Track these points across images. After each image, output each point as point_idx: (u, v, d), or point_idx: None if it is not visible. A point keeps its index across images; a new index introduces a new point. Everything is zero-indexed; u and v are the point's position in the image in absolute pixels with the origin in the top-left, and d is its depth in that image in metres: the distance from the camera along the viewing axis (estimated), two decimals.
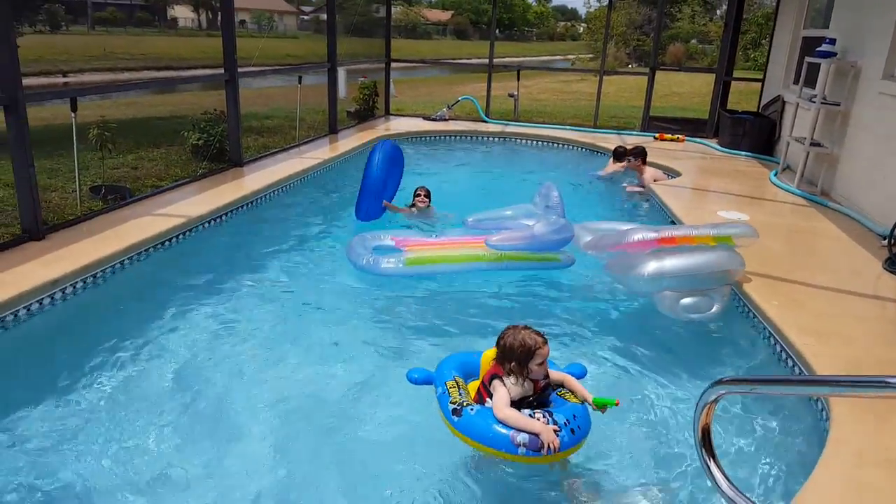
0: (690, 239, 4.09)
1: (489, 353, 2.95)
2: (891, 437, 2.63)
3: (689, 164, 8.58)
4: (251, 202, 6.14)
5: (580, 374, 3.03)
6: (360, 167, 8.41)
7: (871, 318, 4.00)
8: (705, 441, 1.96)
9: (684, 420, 3.08)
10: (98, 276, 4.24)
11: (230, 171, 6.94)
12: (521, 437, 2.53)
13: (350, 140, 9.21)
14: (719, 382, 1.93)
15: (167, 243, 4.94)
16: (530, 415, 2.61)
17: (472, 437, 2.64)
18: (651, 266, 3.94)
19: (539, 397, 2.76)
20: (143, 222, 5.06)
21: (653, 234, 4.14)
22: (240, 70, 6.92)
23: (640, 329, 4.12)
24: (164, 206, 5.55)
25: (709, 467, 1.95)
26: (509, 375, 2.70)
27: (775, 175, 7.84)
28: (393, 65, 12.02)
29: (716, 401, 1.92)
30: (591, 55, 39.35)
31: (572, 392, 2.80)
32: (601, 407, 2.66)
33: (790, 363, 3.48)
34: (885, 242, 5.24)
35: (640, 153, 7.79)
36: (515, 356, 2.66)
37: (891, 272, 4.74)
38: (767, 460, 2.81)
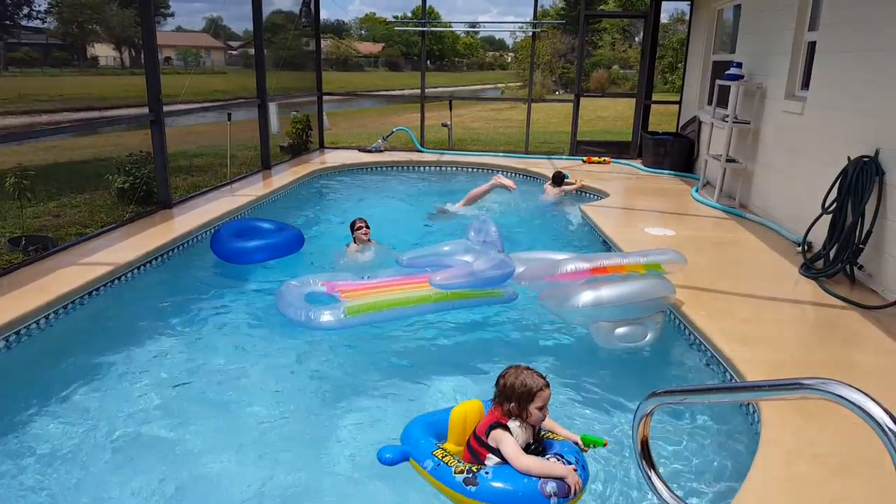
0: (622, 268, 4.16)
1: (461, 408, 2.77)
2: (817, 434, 2.79)
3: (615, 184, 8.92)
4: (182, 244, 5.97)
5: None
6: (295, 202, 8.41)
7: (791, 321, 4.26)
8: (644, 452, 2.03)
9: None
10: (22, 332, 4.02)
11: (158, 213, 6.73)
12: (550, 487, 2.38)
13: (284, 175, 9.12)
14: (653, 395, 2.02)
15: (94, 293, 4.73)
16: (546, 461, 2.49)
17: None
18: (585, 297, 3.98)
19: (538, 444, 2.65)
20: (67, 273, 4.83)
21: (585, 265, 4.16)
22: (166, 109, 6.77)
23: (581, 356, 4.15)
24: (90, 254, 5.32)
25: (650, 477, 2.02)
26: (511, 418, 2.56)
27: (696, 191, 8.26)
28: (325, 97, 12.04)
29: (651, 413, 2.00)
30: (519, 83, 40.49)
31: (555, 433, 2.71)
32: (588, 446, 2.58)
33: (721, 369, 3.65)
34: (800, 249, 5.60)
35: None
36: (515, 396, 2.53)
37: (806, 276, 5.06)
38: (705, 465, 2.92)
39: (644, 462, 2.05)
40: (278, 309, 4.42)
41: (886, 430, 1.40)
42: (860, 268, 4.88)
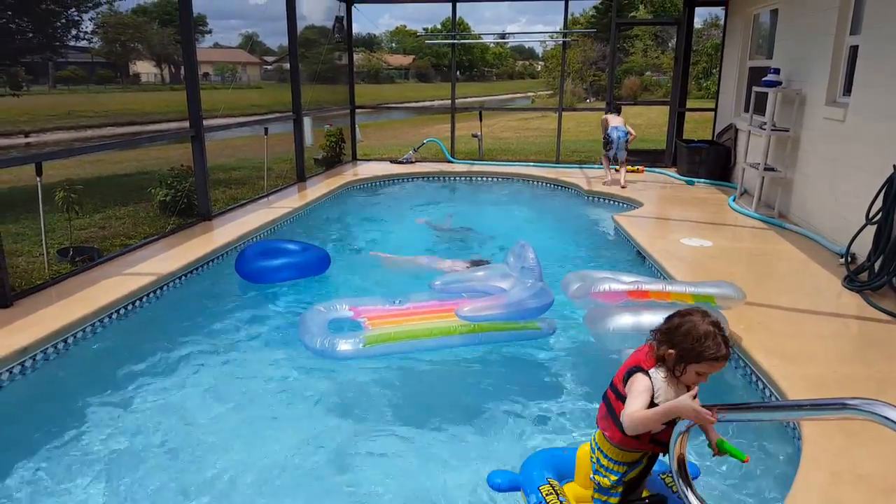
0: (666, 295, 3.89)
1: (587, 447, 2.46)
2: (860, 453, 2.71)
3: (649, 193, 8.83)
4: (222, 255, 6.13)
5: (695, 475, 2.51)
6: (330, 213, 8.56)
7: (832, 335, 4.14)
8: (681, 470, 2.01)
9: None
10: (69, 340, 4.18)
11: (199, 224, 6.93)
12: None
13: (319, 187, 9.28)
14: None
15: (138, 303, 4.89)
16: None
17: None
18: (624, 320, 3.78)
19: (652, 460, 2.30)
20: (112, 283, 5.00)
21: (622, 287, 3.95)
22: (205, 124, 6.98)
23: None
24: (134, 264, 5.51)
25: (686, 496, 2.00)
26: (659, 366, 2.14)
27: (734, 200, 8.11)
28: (358, 110, 12.23)
29: (688, 430, 1.99)
30: (549, 91, 40.41)
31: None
32: (723, 452, 2.08)
33: (760, 385, 3.58)
34: (843, 260, 5.46)
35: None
36: (681, 345, 2.07)
37: (850, 289, 4.93)
38: (744, 484, 2.86)
39: (681, 479, 2.03)
40: (300, 337, 4.27)
41: None
42: None
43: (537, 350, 4.36)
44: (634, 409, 2.08)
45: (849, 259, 5.42)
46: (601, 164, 10.17)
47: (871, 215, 5.08)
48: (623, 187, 9.18)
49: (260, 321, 4.89)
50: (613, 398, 2.24)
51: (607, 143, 9.57)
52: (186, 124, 6.88)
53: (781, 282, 5.32)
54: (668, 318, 2.16)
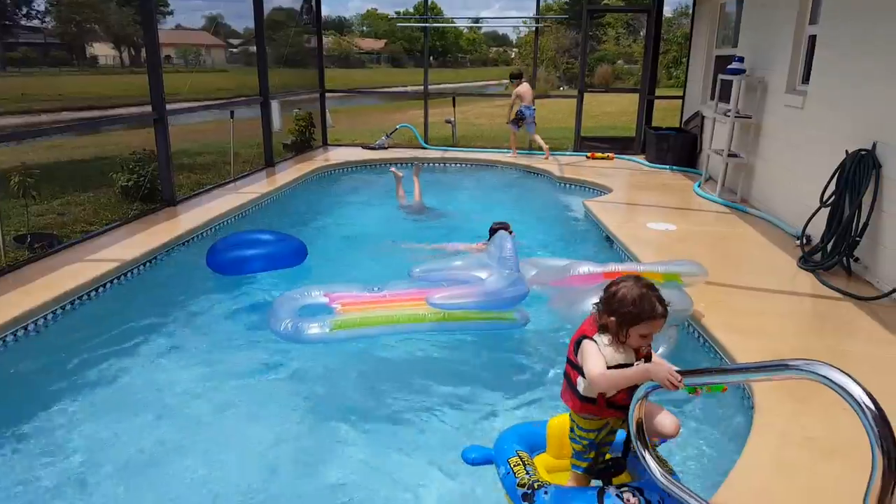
0: (637, 274, 4.06)
1: (559, 419, 2.60)
2: (808, 418, 2.83)
3: (619, 180, 8.96)
4: (187, 241, 6.05)
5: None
6: (300, 199, 8.48)
7: (787, 312, 4.30)
8: (640, 433, 2.09)
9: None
10: (29, 328, 4.10)
11: (163, 210, 6.81)
12: None
13: (288, 173, 9.19)
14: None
15: (101, 290, 4.80)
16: (619, 495, 2.21)
17: None
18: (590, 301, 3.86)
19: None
20: (74, 269, 4.91)
21: (599, 269, 4.05)
22: (169, 108, 6.84)
23: None
24: (96, 251, 5.41)
25: (644, 457, 2.07)
26: (603, 333, 2.23)
27: (699, 186, 8.28)
28: (328, 95, 12.10)
29: (646, 395, 2.05)
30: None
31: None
32: (694, 391, 2.09)
33: (719, 358, 3.70)
34: (799, 242, 5.63)
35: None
36: (618, 312, 2.16)
37: (804, 269, 5.09)
38: (699, 447, 2.97)
39: (639, 442, 2.10)
40: (268, 324, 4.22)
41: (864, 408, 1.45)
42: (856, 260, 4.91)
43: (510, 338, 4.35)
44: (594, 368, 2.15)
45: (804, 241, 5.59)
46: (522, 146, 10.89)
47: (824, 199, 5.25)
48: (546, 158, 10.21)
49: (229, 309, 4.83)
50: (569, 369, 2.34)
51: (519, 119, 10.30)
52: (149, 109, 6.74)
53: (741, 263, 5.48)
54: (605, 289, 2.26)
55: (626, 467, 2.37)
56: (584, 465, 2.39)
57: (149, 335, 4.29)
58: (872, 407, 1.45)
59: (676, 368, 2.06)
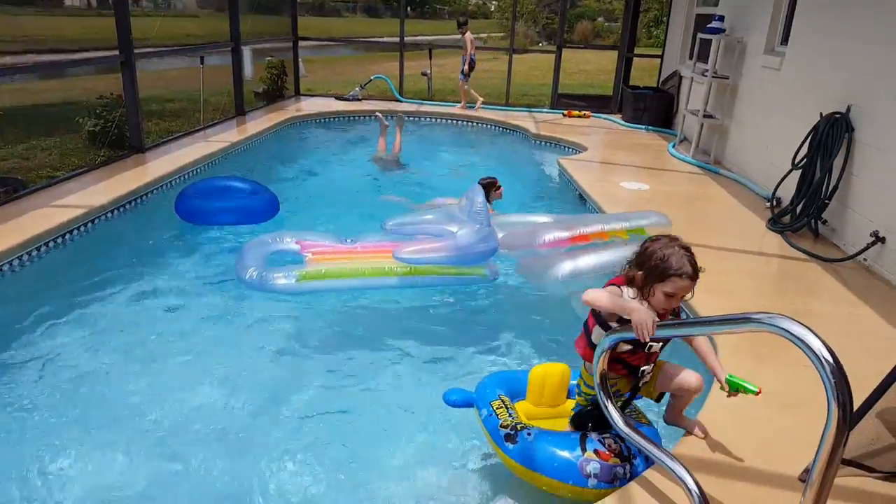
0: (603, 234, 4.06)
1: (541, 369, 2.64)
2: (767, 374, 2.93)
3: (594, 138, 8.95)
4: (156, 188, 5.91)
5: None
6: (272, 150, 8.31)
7: (754, 272, 4.40)
8: (603, 385, 2.14)
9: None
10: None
11: (131, 157, 6.62)
12: (592, 467, 2.20)
13: (260, 122, 8.97)
14: (612, 331, 2.11)
15: (68, 236, 4.70)
16: (601, 440, 2.27)
17: (530, 468, 2.28)
18: (566, 267, 3.84)
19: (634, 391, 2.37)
20: (41, 214, 4.78)
21: (565, 234, 4.05)
22: (136, 51, 6.59)
23: (565, 328, 3.81)
24: (63, 196, 5.25)
25: (607, 407, 2.13)
26: (629, 285, 2.20)
27: (673, 147, 8.32)
28: (302, 43, 11.76)
29: (610, 348, 2.10)
30: (502, 34, 39.75)
31: (705, 360, 2.29)
32: (734, 390, 2.14)
33: (685, 315, 3.78)
34: (769, 204, 5.73)
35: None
36: (647, 265, 2.13)
37: (773, 230, 5.20)
38: (663, 403, 3.06)
39: (602, 393, 2.17)
40: (235, 270, 4.18)
41: (822, 360, 1.50)
42: (824, 222, 5.03)
43: (480, 294, 4.37)
44: (595, 290, 2.16)
45: (774, 203, 5.70)
46: (473, 101, 10.79)
47: (796, 161, 5.33)
48: (463, 108, 10.57)
49: (198, 256, 4.80)
50: (590, 316, 2.33)
51: (472, 68, 10.37)
52: (116, 53, 6.46)
53: (711, 223, 5.57)
54: (641, 244, 2.23)
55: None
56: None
57: (117, 281, 4.24)
58: (830, 359, 1.51)
59: (659, 322, 2.06)
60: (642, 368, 2.29)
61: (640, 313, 2.03)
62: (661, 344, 2.25)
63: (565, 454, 2.23)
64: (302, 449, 2.76)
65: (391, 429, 2.93)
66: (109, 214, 5.21)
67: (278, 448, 2.76)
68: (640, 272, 2.15)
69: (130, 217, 5.41)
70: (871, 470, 2.14)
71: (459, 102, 10.89)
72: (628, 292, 2.18)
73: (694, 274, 2.10)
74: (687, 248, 2.14)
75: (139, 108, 6.75)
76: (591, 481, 2.19)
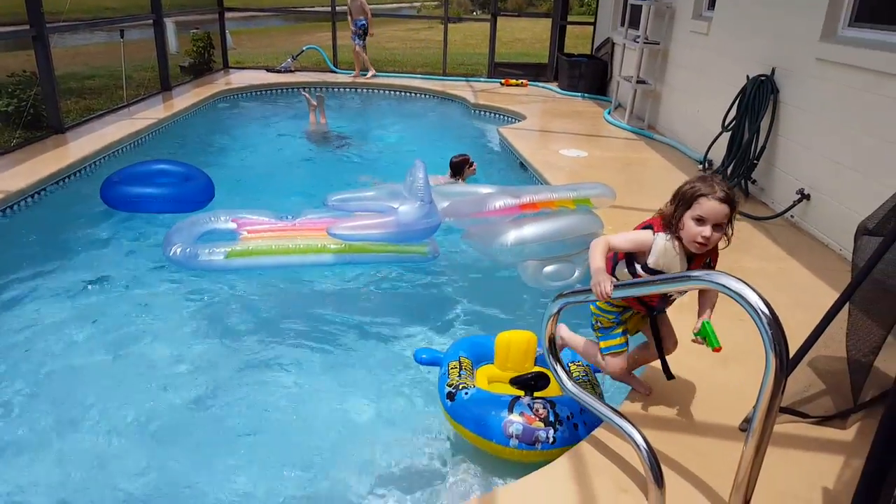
0: (551, 203, 4.06)
1: (506, 335, 2.71)
2: None
3: (532, 107, 9.01)
4: (80, 170, 5.59)
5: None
6: (201, 126, 7.97)
7: None
8: (551, 347, 2.18)
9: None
10: None
11: (50, 138, 6.23)
12: (514, 428, 2.28)
13: (187, 97, 8.58)
14: (560, 296, 2.15)
15: None
16: (529, 405, 2.33)
17: (461, 424, 2.41)
18: (512, 235, 3.85)
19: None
20: None
21: (513, 201, 4.03)
22: (49, 25, 6.15)
23: (511, 298, 3.95)
24: None
25: (555, 369, 2.18)
26: (666, 230, 2.13)
27: (609, 113, 8.47)
28: (228, 15, 11.25)
29: (558, 312, 2.14)
30: (436, 2, 39.23)
31: (702, 307, 2.23)
32: (701, 336, 2.10)
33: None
34: (701, 167, 5.93)
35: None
36: (678, 193, 2.10)
37: None
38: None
39: (551, 356, 2.21)
40: (163, 248, 4.03)
41: (759, 312, 1.57)
42: (754, 182, 5.25)
43: (423, 270, 4.30)
44: (610, 237, 2.16)
45: (706, 165, 5.90)
46: (366, 69, 10.73)
47: (726, 123, 5.51)
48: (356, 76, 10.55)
49: (126, 240, 4.58)
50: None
51: (365, 33, 10.26)
52: (27, 27, 6.00)
53: (646, 187, 5.72)
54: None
55: (549, 384, 2.45)
56: (613, 342, 2.35)
57: (36, 272, 4.00)
58: (767, 311, 1.57)
59: (615, 283, 2.06)
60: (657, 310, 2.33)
61: (598, 276, 2.04)
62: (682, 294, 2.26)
63: (492, 413, 2.33)
64: (236, 435, 2.71)
65: (337, 404, 2.92)
66: (30, 199, 4.91)
67: (215, 435, 2.72)
68: (671, 206, 2.12)
69: (52, 201, 5.10)
70: (804, 416, 2.27)
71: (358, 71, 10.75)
72: (662, 236, 2.13)
73: (724, 197, 2.00)
74: (721, 180, 2.10)
75: (55, 85, 6.33)
76: (513, 441, 2.28)
